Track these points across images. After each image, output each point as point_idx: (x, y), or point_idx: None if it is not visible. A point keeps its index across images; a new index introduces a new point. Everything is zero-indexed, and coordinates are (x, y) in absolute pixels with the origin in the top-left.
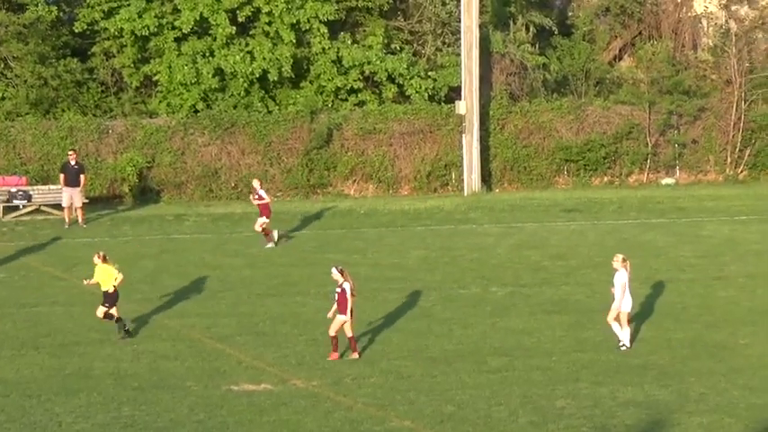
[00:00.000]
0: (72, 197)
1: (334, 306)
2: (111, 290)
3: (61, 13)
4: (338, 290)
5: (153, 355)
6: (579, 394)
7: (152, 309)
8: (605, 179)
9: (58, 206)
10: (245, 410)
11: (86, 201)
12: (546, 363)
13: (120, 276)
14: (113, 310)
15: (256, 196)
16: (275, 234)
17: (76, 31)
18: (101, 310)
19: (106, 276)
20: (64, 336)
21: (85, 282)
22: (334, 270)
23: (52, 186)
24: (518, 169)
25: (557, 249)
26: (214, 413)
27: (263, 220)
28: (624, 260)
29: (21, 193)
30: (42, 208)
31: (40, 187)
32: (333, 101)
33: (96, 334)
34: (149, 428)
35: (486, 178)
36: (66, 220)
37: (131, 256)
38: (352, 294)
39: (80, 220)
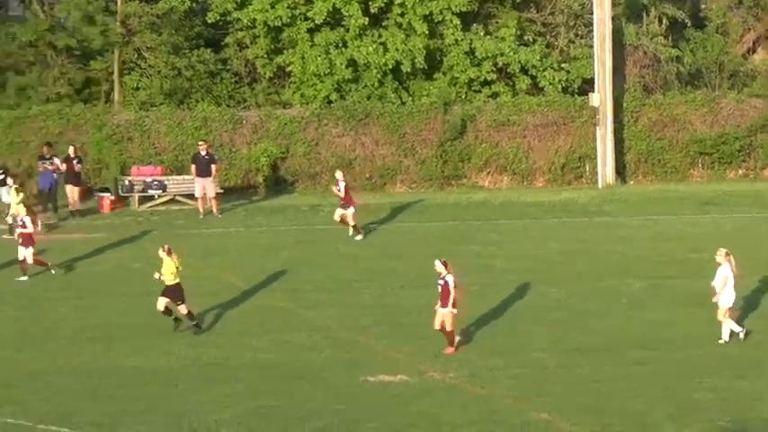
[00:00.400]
0: (204, 187)
1: (441, 301)
2: (172, 283)
3: (194, 4)
4: (440, 282)
5: (290, 345)
6: (718, 387)
7: (289, 299)
8: (740, 172)
9: (193, 196)
10: (382, 401)
11: (220, 191)
12: (684, 355)
13: (177, 269)
14: (182, 307)
15: (338, 188)
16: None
17: (209, 21)
18: (161, 302)
19: (168, 270)
20: (205, 326)
21: (156, 276)
22: (437, 262)
23: (186, 176)
24: (652, 162)
25: (693, 242)
26: (352, 404)
27: (349, 211)
28: (727, 254)
29: (156, 182)
30: (177, 198)
31: (174, 177)
32: (466, 92)
33: (233, 324)
34: (288, 418)
35: (620, 171)
36: (201, 210)
37: (267, 247)
38: (455, 287)
39: (214, 210)
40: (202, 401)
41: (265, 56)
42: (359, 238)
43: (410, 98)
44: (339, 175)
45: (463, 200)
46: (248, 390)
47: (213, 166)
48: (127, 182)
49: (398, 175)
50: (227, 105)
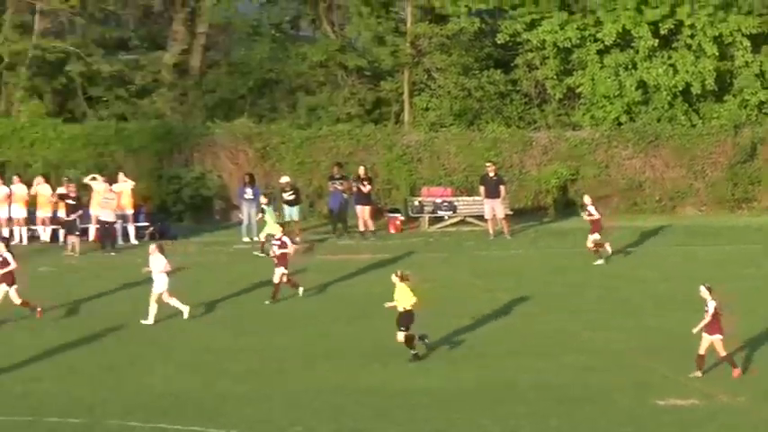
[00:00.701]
0: (493, 208)
1: (701, 323)
2: (406, 310)
3: (483, 25)
4: (706, 308)
5: (577, 367)
6: None
7: (577, 321)
8: None
9: (482, 217)
10: (671, 426)
11: (510, 212)
12: None
13: (414, 299)
14: (401, 334)
15: (587, 212)
16: (608, 248)
17: (499, 42)
18: (400, 335)
19: (402, 296)
20: (488, 347)
21: (387, 305)
22: (702, 288)
23: (476, 198)
24: None
25: None
26: (641, 427)
27: (594, 236)
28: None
29: (445, 204)
30: (467, 219)
31: (464, 198)
32: (756, 115)
33: (519, 346)
34: None
35: None
36: (491, 232)
37: (556, 269)
38: (718, 313)
39: (505, 231)
40: (491, 423)
41: (555, 77)
42: (599, 262)
43: (700, 120)
44: (588, 199)
45: (753, 223)
46: (536, 412)
47: (502, 187)
48: (417, 203)
49: (688, 198)
50: (517, 126)
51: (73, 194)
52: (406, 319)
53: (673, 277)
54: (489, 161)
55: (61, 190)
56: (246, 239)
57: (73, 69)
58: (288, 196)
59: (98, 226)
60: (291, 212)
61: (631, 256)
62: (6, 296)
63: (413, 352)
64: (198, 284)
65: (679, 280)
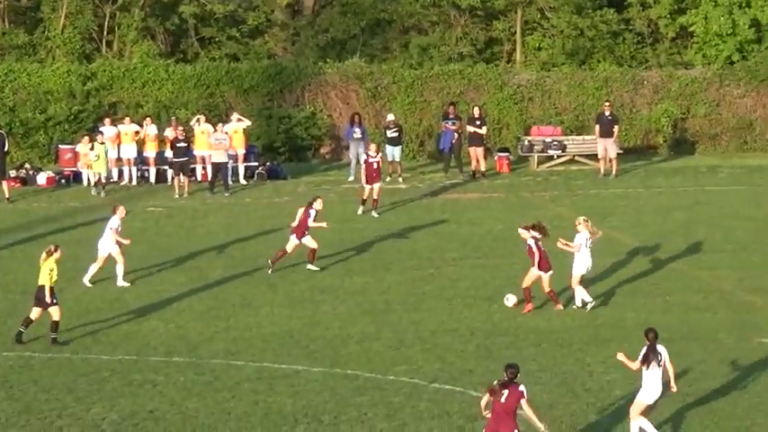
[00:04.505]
0: (606, 148)
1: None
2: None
3: None
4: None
5: (684, 306)
6: None
7: (684, 260)
8: None
9: (592, 156)
10: None
11: (620, 152)
12: None
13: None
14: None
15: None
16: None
17: None
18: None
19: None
20: (595, 286)
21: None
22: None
23: (586, 137)
24: None
25: None
26: (745, 365)
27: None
28: (585, 221)
29: (555, 143)
30: (576, 158)
31: (574, 137)
32: None
33: (627, 284)
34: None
35: None
36: (601, 171)
37: (664, 208)
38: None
39: (613, 170)
40: (596, 362)
41: (668, 16)
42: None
43: None
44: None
45: None
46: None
47: (615, 126)
48: (527, 142)
49: None
50: (629, 66)
51: (182, 137)
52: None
53: None
54: (607, 100)
55: (169, 130)
56: (353, 178)
57: (186, 10)
58: (391, 134)
59: (202, 166)
60: (394, 152)
61: (740, 194)
62: None
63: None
64: None
65: None
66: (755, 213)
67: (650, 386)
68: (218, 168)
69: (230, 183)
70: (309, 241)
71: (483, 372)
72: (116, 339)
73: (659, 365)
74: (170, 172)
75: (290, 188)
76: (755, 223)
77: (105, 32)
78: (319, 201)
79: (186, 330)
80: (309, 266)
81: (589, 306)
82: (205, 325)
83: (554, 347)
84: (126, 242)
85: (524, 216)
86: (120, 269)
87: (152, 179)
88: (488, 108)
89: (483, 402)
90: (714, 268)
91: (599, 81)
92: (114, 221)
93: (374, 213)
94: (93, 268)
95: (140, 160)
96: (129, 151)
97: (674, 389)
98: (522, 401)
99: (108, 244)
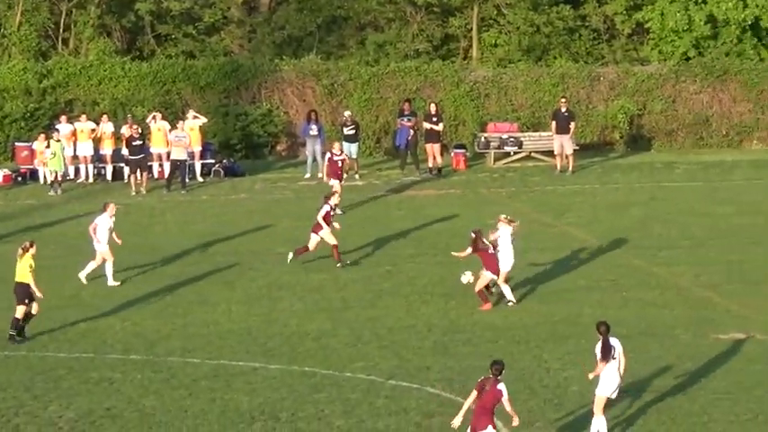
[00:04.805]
0: (562, 144)
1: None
2: None
3: None
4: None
5: (641, 302)
6: None
7: (641, 256)
8: None
9: (549, 153)
10: (732, 359)
11: (577, 148)
12: None
13: None
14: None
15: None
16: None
17: None
18: None
19: None
20: (552, 283)
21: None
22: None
23: (543, 133)
24: None
25: None
26: (702, 362)
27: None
28: (506, 218)
29: (512, 139)
30: (533, 155)
31: (530, 134)
32: None
33: (583, 281)
34: (636, 376)
35: None
36: (558, 167)
37: (620, 204)
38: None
39: (570, 167)
40: (553, 358)
41: (624, 12)
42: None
43: None
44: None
45: None
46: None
47: (572, 123)
48: (483, 138)
49: (755, 132)
50: (585, 62)
51: (137, 134)
52: None
53: (741, 212)
54: (563, 96)
55: (125, 128)
56: (309, 176)
57: (142, 7)
58: (348, 131)
59: (159, 163)
60: (350, 149)
61: (696, 191)
62: None
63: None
64: (264, 221)
65: (746, 214)
66: (712, 209)
67: (607, 379)
68: (177, 166)
69: (187, 180)
70: (327, 236)
71: (440, 368)
72: (73, 337)
73: (614, 358)
74: (126, 169)
75: (246, 185)
76: (712, 219)
77: (61, 30)
78: (336, 196)
79: (143, 328)
80: (338, 264)
81: (509, 304)
82: (162, 322)
83: (511, 344)
84: (118, 241)
85: (481, 213)
86: (108, 267)
87: (109, 177)
88: (445, 105)
89: (469, 400)
90: (671, 264)
91: (555, 77)
92: (105, 220)
93: (337, 209)
94: (92, 266)
95: (97, 158)
96: (86, 149)
97: (621, 382)
98: (504, 400)
99: (104, 241)
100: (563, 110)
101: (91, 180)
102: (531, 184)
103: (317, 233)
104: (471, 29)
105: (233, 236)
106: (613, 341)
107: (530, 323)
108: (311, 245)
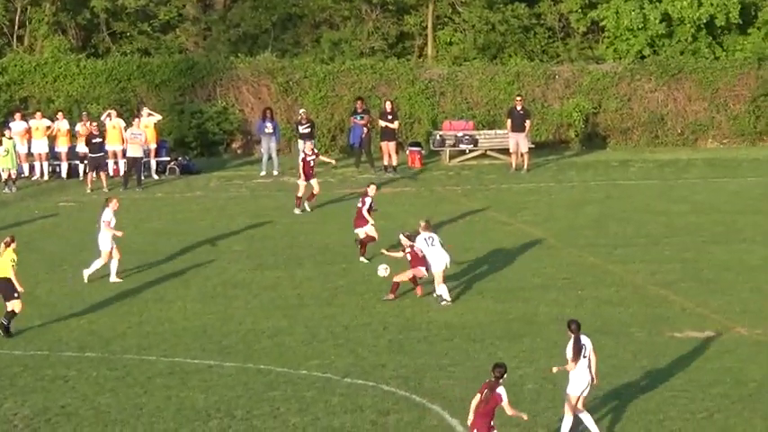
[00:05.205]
0: (518, 142)
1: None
2: None
3: None
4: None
5: (597, 300)
6: None
7: (597, 254)
8: None
9: (504, 151)
10: (688, 357)
11: (532, 146)
12: None
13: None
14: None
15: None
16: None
17: None
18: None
19: None
20: (508, 281)
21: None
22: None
23: (498, 131)
24: None
25: None
26: (657, 360)
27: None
28: (421, 222)
29: (467, 137)
30: (488, 153)
31: (486, 132)
32: None
33: (539, 279)
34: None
35: None
36: (513, 165)
37: (576, 202)
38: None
39: (525, 165)
40: (508, 356)
41: (579, 10)
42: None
43: (723, 53)
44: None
45: None
46: (552, 345)
47: (527, 121)
48: (438, 136)
49: (710, 131)
50: (540, 60)
51: (96, 132)
52: None
53: (696, 210)
54: (519, 95)
55: (79, 125)
56: (264, 173)
57: (97, 4)
58: (303, 129)
59: (114, 161)
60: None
61: (651, 189)
62: None
63: None
64: (219, 219)
65: (702, 213)
66: (667, 207)
67: (577, 378)
68: (133, 163)
69: (143, 178)
70: (370, 230)
71: (395, 366)
72: (28, 335)
73: (584, 357)
74: (81, 167)
75: (201, 183)
76: (667, 217)
77: (16, 27)
78: (372, 187)
79: (98, 326)
80: (362, 258)
81: (443, 303)
82: (117, 320)
83: (466, 342)
84: (119, 234)
85: (436, 210)
86: (114, 264)
87: (63, 174)
88: (400, 103)
89: (474, 402)
90: (626, 262)
91: (510, 76)
92: (107, 214)
93: (307, 207)
94: (97, 264)
95: (52, 155)
96: (41, 146)
97: (595, 381)
98: (503, 404)
99: (107, 238)
100: (518, 108)
101: (46, 178)
102: (487, 182)
103: (362, 227)
104: (426, 27)
105: (188, 233)
106: (584, 339)
107: (485, 321)
108: (366, 239)
